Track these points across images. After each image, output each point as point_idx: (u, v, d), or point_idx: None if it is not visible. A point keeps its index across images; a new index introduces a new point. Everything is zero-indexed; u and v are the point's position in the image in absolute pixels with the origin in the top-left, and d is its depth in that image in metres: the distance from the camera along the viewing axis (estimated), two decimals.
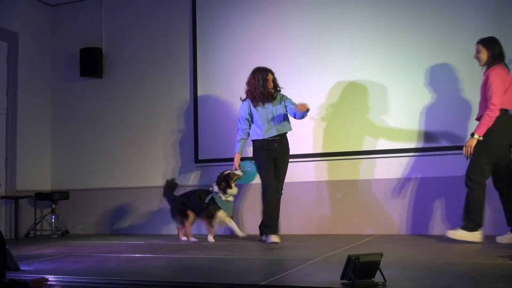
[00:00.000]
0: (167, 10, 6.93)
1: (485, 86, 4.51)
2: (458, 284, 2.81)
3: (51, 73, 7.56)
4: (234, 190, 5.35)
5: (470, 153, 4.47)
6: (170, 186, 5.90)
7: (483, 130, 4.42)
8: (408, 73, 5.62)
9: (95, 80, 7.24)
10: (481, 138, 4.42)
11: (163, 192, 5.91)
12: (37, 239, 6.54)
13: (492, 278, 3.01)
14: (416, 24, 5.62)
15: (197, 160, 6.51)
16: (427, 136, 5.53)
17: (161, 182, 6.67)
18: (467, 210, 4.53)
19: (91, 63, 7.10)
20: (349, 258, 2.78)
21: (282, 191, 5.29)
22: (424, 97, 5.53)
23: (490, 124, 4.41)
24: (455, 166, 5.25)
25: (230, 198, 5.36)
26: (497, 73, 4.47)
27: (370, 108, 5.78)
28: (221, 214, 5.34)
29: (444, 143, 5.45)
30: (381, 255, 2.84)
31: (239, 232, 5.42)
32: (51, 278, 3.39)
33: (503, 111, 4.47)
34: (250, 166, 5.34)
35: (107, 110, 7.18)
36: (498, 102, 4.39)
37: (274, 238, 4.99)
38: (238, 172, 5.29)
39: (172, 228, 6.19)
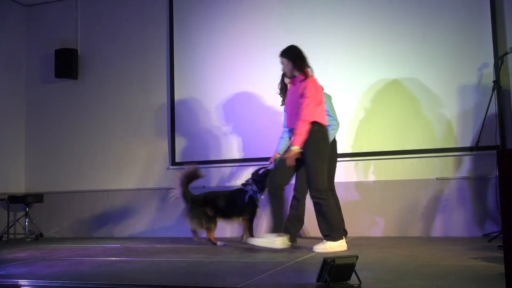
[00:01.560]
0: (144, 11, 6.90)
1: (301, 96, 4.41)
2: (432, 285, 2.85)
3: (25, 74, 7.45)
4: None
5: None
6: (191, 177, 5.13)
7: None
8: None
9: (70, 82, 7.16)
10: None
11: (181, 182, 5.10)
12: (10, 242, 6.42)
13: (465, 279, 3.06)
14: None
15: (174, 163, 6.48)
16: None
17: (137, 185, 6.64)
18: (327, 221, 4.44)
19: (66, 64, 7.02)
20: (325, 261, 2.81)
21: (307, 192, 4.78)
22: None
23: None
24: (427, 168, 5.34)
25: (262, 196, 5.08)
26: (314, 82, 4.47)
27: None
28: (257, 212, 5.10)
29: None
30: (357, 257, 2.87)
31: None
32: (24, 282, 3.33)
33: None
34: None
35: (83, 112, 7.10)
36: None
37: None
38: (272, 167, 4.97)
39: (147, 230, 6.14)
